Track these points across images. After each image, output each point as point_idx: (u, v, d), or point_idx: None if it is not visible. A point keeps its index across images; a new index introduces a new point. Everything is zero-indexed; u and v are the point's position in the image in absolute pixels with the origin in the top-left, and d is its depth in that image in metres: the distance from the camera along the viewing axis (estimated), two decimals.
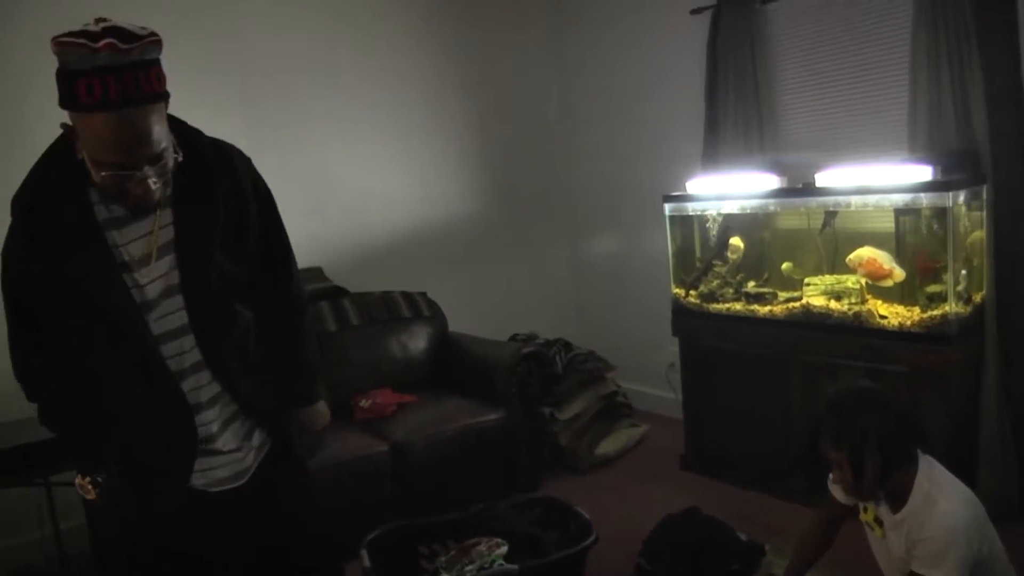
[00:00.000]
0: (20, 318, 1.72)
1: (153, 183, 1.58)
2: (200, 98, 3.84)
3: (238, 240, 1.82)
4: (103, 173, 1.54)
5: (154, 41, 1.54)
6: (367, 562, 2.76)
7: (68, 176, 1.63)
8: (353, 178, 4.71)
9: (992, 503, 3.18)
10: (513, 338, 4.79)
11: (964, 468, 3.21)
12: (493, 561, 2.79)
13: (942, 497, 2.14)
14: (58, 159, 1.65)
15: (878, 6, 3.69)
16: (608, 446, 4.40)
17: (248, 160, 1.91)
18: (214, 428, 1.83)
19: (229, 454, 1.87)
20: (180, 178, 1.70)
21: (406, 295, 4.50)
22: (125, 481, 1.79)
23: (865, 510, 2.40)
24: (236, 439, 1.88)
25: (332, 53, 4.61)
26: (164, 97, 1.59)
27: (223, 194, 1.78)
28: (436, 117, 5.06)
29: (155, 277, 1.71)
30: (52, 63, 1.50)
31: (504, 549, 2.87)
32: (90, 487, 1.77)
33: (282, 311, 2.04)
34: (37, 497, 3.22)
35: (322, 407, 2.14)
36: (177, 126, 1.72)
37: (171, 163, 1.62)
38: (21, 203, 1.65)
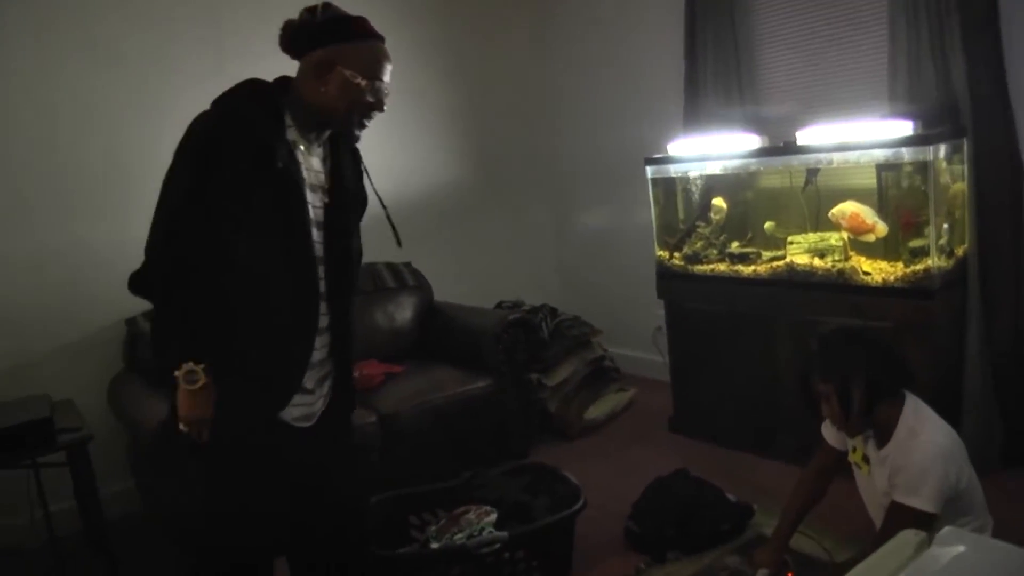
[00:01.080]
0: (195, 193, 1.85)
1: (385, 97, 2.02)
2: (181, 66, 3.85)
3: (359, 216, 2.21)
4: (368, 83, 1.95)
5: None
6: None
7: (268, 97, 1.96)
8: None
9: (975, 453, 3.22)
10: (499, 305, 4.77)
11: (949, 419, 3.22)
12: (482, 529, 2.80)
13: (924, 429, 2.25)
14: (257, 87, 1.97)
15: None
16: (596, 411, 4.41)
17: None
18: (316, 357, 2.03)
19: (306, 394, 2.04)
20: (334, 141, 2.10)
21: (390, 265, 4.48)
22: (236, 382, 1.92)
23: (854, 450, 2.47)
24: (313, 380, 2.06)
25: None
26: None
27: (360, 171, 2.21)
28: (419, 84, 4.99)
29: (319, 206, 2.01)
30: None
31: (493, 516, 2.88)
32: (201, 373, 1.86)
33: (354, 291, 2.25)
34: (26, 479, 3.21)
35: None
36: None
37: None
38: (237, 96, 1.93)
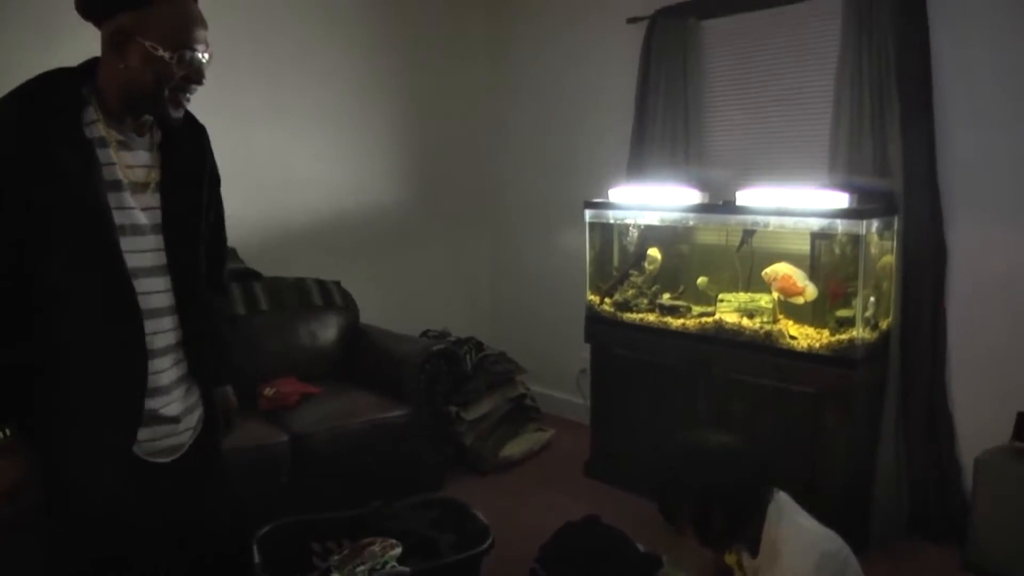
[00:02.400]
0: None
1: (204, 63, 1.73)
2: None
3: (207, 208, 1.93)
4: (174, 53, 1.65)
5: None
6: (257, 558, 2.66)
7: (68, 88, 1.68)
8: (276, 158, 4.55)
9: (883, 523, 3.30)
10: (425, 334, 4.72)
11: (861, 488, 3.29)
12: (386, 562, 2.71)
13: (785, 548, 2.06)
14: (59, 76, 1.69)
15: (808, 34, 3.75)
16: (513, 448, 4.36)
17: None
18: (163, 380, 1.79)
19: (169, 424, 1.81)
20: (169, 130, 1.82)
21: (320, 283, 4.39)
22: (61, 435, 1.69)
23: (729, 552, 2.34)
24: (179, 406, 1.84)
25: (267, 34, 4.48)
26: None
27: (205, 157, 1.94)
28: (366, 107, 4.95)
29: (148, 207, 1.75)
30: None
31: (398, 551, 2.79)
32: None
33: (219, 291, 2.08)
34: None
35: (229, 390, 2.15)
36: None
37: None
38: (14, 99, 1.63)
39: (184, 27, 1.67)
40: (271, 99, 4.51)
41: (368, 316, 4.53)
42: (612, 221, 4.16)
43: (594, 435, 4.18)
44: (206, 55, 1.72)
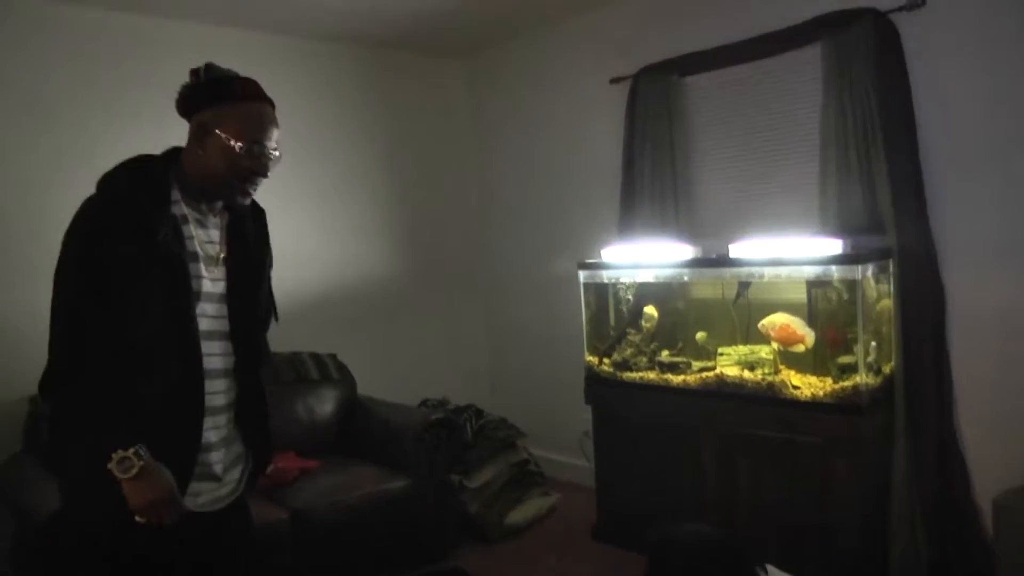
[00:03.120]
0: (90, 282, 1.78)
1: (273, 162, 1.96)
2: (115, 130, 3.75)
3: (264, 279, 2.15)
4: (246, 146, 1.88)
5: None
6: None
7: (156, 172, 1.90)
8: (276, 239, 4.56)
9: (904, 574, 3.21)
10: (423, 404, 4.66)
11: (877, 539, 3.21)
12: None
13: None
14: (146, 163, 1.92)
15: (790, 86, 3.79)
16: (518, 515, 4.28)
17: None
18: (213, 437, 1.94)
19: (212, 480, 1.95)
20: (231, 209, 2.04)
21: (315, 356, 4.36)
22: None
23: None
24: (223, 464, 1.98)
25: None
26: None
27: (266, 238, 2.16)
28: (354, 181, 5.00)
29: (216, 278, 1.96)
30: None
31: None
32: (134, 458, 1.75)
33: (265, 361, 2.20)
34: None
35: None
36: None
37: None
38: (110, 180, 1.86)
39: (256, 125, 1.91)
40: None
41: (365, 388, 4.49)
42: (606, 281, 4.15)
43: (600, 497, 4.10)
44: (275, 152, 1.95)
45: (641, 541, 3.70)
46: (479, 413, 4.55)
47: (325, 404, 4.24)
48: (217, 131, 1.87)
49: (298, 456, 3.91)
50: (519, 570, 3.76)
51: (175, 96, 1.95)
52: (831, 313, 3.38)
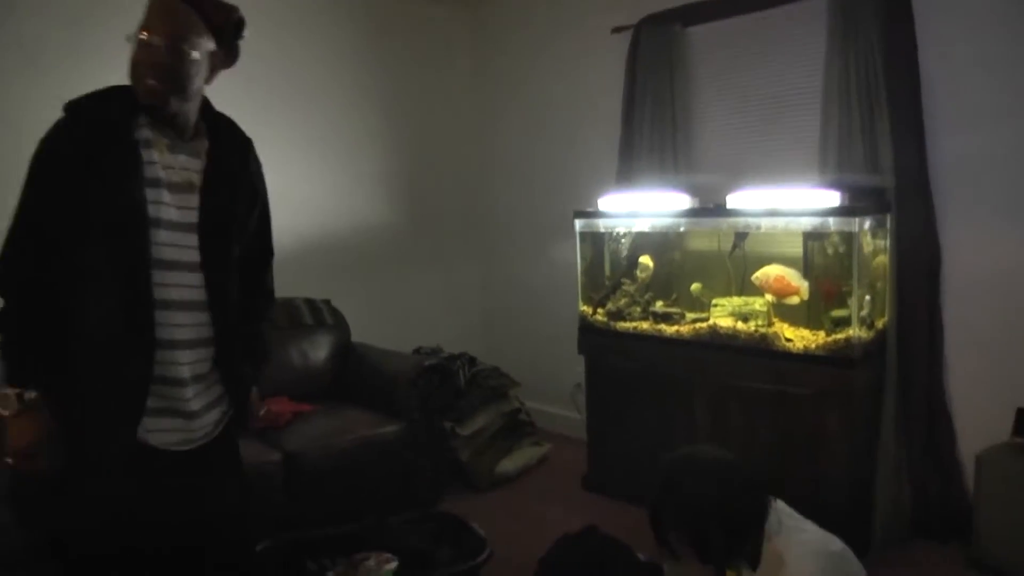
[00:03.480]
0: (33, 201, 1.80)
1: (151, 51, 1.78)
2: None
3: (248, 215, 2.04)
4: (138, 35, 1.79)
5: None
6: None
7: (120, 97, 1.84)
8: (275, 184, 4.53)
9: (886, 525, 3.25)
10: (417, 351, 4.66)
11: (863, 491, 3.24)
12: None
13: (788, 556, 2.00)
14: (114, 89, 1.86)
15: (793, 36, 3.75)
16: (509, 464, 4.30)
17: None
18: (184, 372, 1.87)
19: (185, 417, 1.89)
20: (214, 139, 1.97)
21: (309, 302, 4.35)
22: (73, 416, 1.80)
23: (731, 568, 2.23)
24: (199, 401, 1.92)
25: (254, 52, 4.45)
26: (201, 8, 1.85)
27: (250, 168, 2.07)
28: (353, 126, 4.95)
29: (186, 206, 1.87)
30: None
31: (394, 565, 2.74)
32: (14, 397, 1.73)
33: (260, 294, 2.19)
34: None
35: (255, 392, 2.21)
36: (205, 101, 1.99)
37: (193, 75, 1.84)
38: (76, 104, 1.83)
39: (148, 14, 1.81)
40: (256, 122, 4.45)
41: (360, 335, 4.48)
42: (603, 230, 4.13)
43: (591, 447, 4.12)
44: (155, 40, 1.78)
45: (631, 489, 3.76)
46: (472, 361, 4.55)
47: (319, 350, 4.24)
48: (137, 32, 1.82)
49: (291, 400, 3.92)
50: (509, 517, 3.79)
51: None
52: (826, 266, 3.38)
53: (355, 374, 4.24)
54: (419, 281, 5.29)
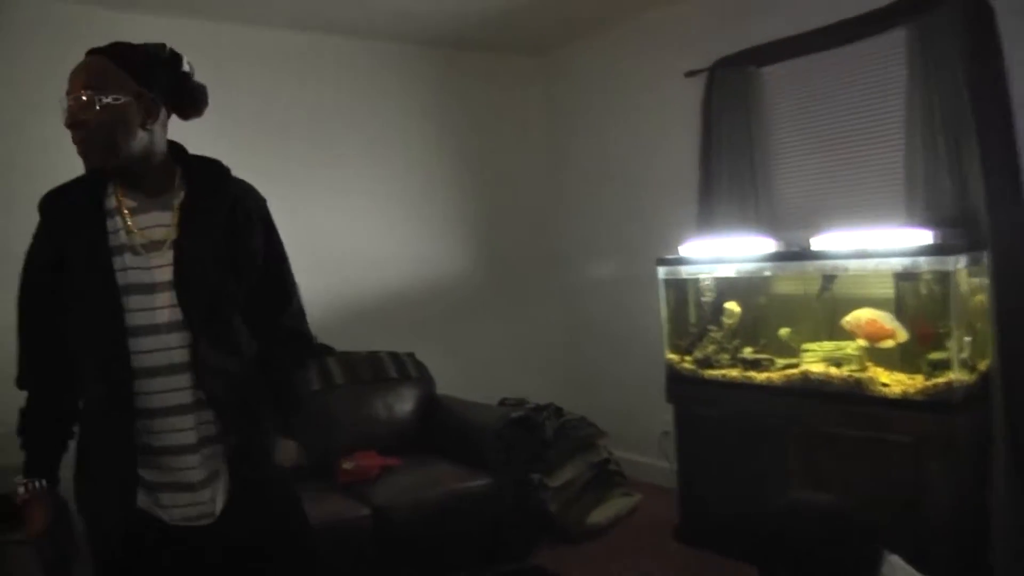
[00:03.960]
0: (30, 306, 1.85)
1: (74, 107, 1.73)
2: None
3: (240, 259, 1.90)
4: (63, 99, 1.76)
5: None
6: None
7: (86, 178, 1.84)
8: (344, 234, 4.67)
9: None
10: (502, 402, 4.66)
11: (976, 543, 3.09)
12: None
13: None
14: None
15: (872, 70, 3.68)
16: (599, 515, 4.24)
17: (262, 199, 2.03)
18: (179, 439, 1.80)
19: (186, 491, 1.80)
20: (191, 187, 1.87)
21: (393, 355, 4.40)
22: (84, 487, 1.84)
23: None
24: (200, 471, 1.81)
25: (332, 114, 4.65)
26: (115, 55, 1.78)
27: (231, 211, 1.90)
28: (430, 176, 5.05)
29: (161, 264, 1.79)
30: None
31: None
32: (20, 488, 1.79)
33: (280, 339, 2.06)
34: None
35: (291, 445, 2.05)
36: (179, 150, 1.93)
37: (112, 122, 1.75)
38: (45, 198, 1.85)
39: (70, 76, 1.77)
40: (334, 177, 4.66)
41: (444, 387, 4.51)
42: (686, 277, 4.08)
43: (682, 498, 4.04)
44: (69, 99, 1.75)
45: (724, 540, 3.67)
46: (558, 412, 4.53)
47: (404, 402, 4.28)
48: None
49: (379, 454, 3.95)
50: (601, 570, 3.74)
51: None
52: (920, 307, 3.27)
53: (441, 427, 4.25)
54: (501, 332, 5.31)
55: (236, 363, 1.88)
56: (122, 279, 1.76)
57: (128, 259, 1.77)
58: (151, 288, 1.78)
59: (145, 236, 1.80)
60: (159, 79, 1.82)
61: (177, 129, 1.92)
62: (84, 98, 1.72)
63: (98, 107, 1.72)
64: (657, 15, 4.67)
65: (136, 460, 1.77)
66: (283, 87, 4.50)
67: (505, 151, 5.41)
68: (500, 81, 5.39)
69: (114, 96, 1.74)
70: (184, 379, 1.79)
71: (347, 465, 3.81)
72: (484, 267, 5.27)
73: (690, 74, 4.37)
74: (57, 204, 1.83)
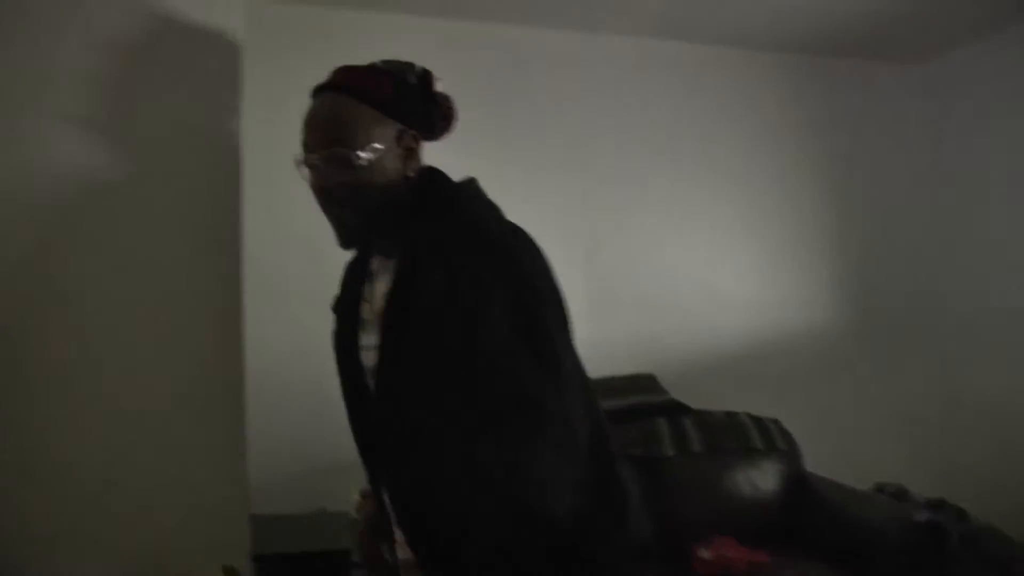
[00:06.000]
0: None
1: (316, 173, 1.44)
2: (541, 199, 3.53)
3: (447, 347, 1.36)
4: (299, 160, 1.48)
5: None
6: None
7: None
8: (693, 272, 4.08)
9: None
10: (881, 489, 3.81)
11: None
12: None
13: None
14: None
15: None
16: None
17: (527, 259, 1.43)
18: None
19: None
20: (414, 240, 1.45)
21: (756, 420, 3.67)
22: None
23: None
24: None
25: (674, 137, 4.11)
26: (357, 91, 1.44)
27: (458, 276, 1.36)
28: (786, 209, 4.33)
29: (372, 346, 1.49)
30: None
31: None
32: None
33: (462, 481, 1.38)
34: None
35: None
36: (433, 178, 1.53)
37: (369, 182, 1.43)
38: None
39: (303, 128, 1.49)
40: (683, 208, 4.08)
41: (807, 462, 3.72)
42: None
43: None
44: (311, 158, 1.44)
45: None
46: (960, 513, 3.60)
47: (768, 480, 3.53)
48: None
49: (739, 544, 3.24)
50: None
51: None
52: None
53: (811, 516, 3.46)
54: (863, 394, 4.42)
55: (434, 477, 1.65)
56: (365, 360, 1.57)
57: (361, 337, 1.55)
58: (368, 371, 1.59)
59: (371, 309, 1.54)
60: (415, 108, 1.50)
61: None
62: (334, 156, 1.41)
63: (351, 169, 1.42)
64: None
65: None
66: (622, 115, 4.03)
67: (876, 173, 4.55)
68: (869, 92, 4.55)
69: (367, 151, 1.42)
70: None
71: (705, 554, 3.16)
72: (853, 316, 4.42)
73: None
74: (342, 283, 1.69)
